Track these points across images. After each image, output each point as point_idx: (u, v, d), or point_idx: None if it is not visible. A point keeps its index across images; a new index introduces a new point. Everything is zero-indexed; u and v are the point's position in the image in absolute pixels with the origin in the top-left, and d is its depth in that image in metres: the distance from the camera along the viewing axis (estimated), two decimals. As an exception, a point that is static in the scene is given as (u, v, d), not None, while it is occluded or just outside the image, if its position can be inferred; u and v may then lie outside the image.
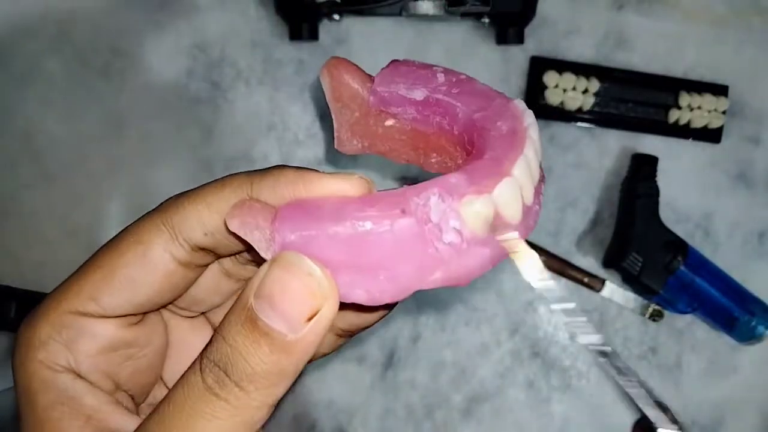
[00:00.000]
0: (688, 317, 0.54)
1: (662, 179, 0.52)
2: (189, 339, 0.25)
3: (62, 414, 0.21)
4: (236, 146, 0.52)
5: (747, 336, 0.52)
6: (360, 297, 0.20)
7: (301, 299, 0.19)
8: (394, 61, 0.25)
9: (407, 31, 0.52)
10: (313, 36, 0.50)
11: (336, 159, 0.52)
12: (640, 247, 0.51)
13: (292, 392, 0.53)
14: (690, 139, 0.54)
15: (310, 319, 0.19)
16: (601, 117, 0.53)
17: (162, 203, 0.22)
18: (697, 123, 0.53)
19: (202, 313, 0.26)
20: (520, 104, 0.23)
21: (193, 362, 0.20)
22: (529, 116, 0.22)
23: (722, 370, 0.55)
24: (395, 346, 0.53)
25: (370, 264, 0.19)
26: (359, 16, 0.51)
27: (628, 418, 0.54)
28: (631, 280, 0.52)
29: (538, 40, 0.53)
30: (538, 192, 0.22)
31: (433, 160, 0.25)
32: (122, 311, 0.22)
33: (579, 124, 0.53)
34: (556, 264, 0.53)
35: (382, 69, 0.24)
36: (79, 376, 0.21)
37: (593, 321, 0.54)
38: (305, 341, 0.19)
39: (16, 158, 0.51)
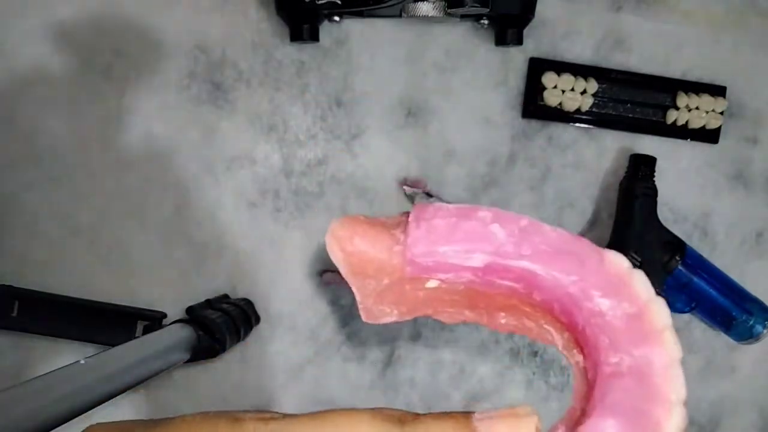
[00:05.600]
0: (686, 316, 0.54)
1: (660, 179, 0.52)
2: None
3: None
4: (237, 147, 0.52)
5: (745, 335, 0.53)
6: None
7: None
8: (420, 211, 0.19)
9: (407, 33, 0.52)
10: (314, 37, 0.50)
11: (334, 157, 0.53)
12: (639, 247, 0.51)
13: (293, 390, 0.53)
14: (688, 140, 0.54)
15: None
16: (600, 118, 0.53)
17: None
18: (695, 123, 0.53)
19: None
20: (618, 260, 0.18)
21: None
22: (641, 283, 0.17)
23: (720, 369, 0.55)
24: (395, 345, 0.53)
25: None
26: (359, 17, 0.51)
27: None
28: (629, 280, 0.52)
29: (536, 41, 0.53)
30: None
31: (502, 321, 0.20)
32: None
33: (577, 124, 0.53)
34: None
35: (412, 224, 0.19)
36: None
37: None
38: None
39: (18, 159, 0.51)
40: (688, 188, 0.55)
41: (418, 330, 0.53)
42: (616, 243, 0.52)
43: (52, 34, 0.51)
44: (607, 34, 0.54)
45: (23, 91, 0.51)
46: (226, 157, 0.52)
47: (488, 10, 0.48)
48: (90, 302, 0.50)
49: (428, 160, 0.53)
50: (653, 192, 0.52)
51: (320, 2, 0.47)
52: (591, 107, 0.53)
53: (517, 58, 0.53)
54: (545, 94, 0.52)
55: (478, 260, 0.18)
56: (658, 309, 0.17)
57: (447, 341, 0.54)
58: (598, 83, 0.52)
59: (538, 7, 0.50)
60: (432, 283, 0.19)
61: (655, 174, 0.52)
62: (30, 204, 0.51)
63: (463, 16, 0.50)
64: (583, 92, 0.52)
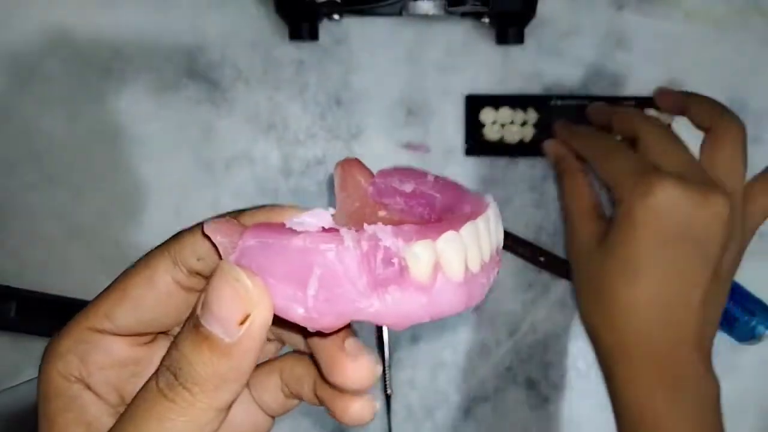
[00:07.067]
0: (688, 317, 0.54)
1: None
2: None
3: (67, 420, 0.24)
4: (236, 146, 0.52)
5: (747, 336, 0.52)
6: (297, 315, 0.21)
7: (230, 304, 0.20)
8: (397, 168, 0.29)
9: (407, 31, 0.52)
10: (313, 36, 0.50)
11: (334, 156, 0.52)
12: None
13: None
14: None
15: (242, 323, 0.20)
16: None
17: (172, 235, 0.26)
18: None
19: None
20: (490, 198, 0.26)
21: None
22: (493, 206, 0.25)
23: (722, 370, 0.55)
24: (395, 345, 0.53)
25: (313, 282, 0.21)
26: (359, 15, 0.51)
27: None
28: (630, 280, 0.52)
29: (538, 40, 0.53)
30: (487, 269, 0.23)
31: None
32: (133, 329, 0.25)
33: (523, 157, 0.53)
34: (556, 265, 0.53)
35: (384, 168, 0.29)
36: (89, 387, 0.24)
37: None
38: (241, 345, 0.21)
39: (16, 159, 0.51)
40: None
41: (417, 331, 0.53)
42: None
43: (51, 33, 0.51)
44: (609, 33, 0.54)
45: (22, 90, 0.51)
46: (224, 156, 0.52)
47: (488, 8, 0.47)
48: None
49: (428, 160, 0.53)
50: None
51: (320, 0, 0.47)
52: (533, 137, 0.52)
53: (518, 57, 0.53)
54: (485, 130, 0.52)
55: (408, 187, 0.27)
56: (493, 210, 0.25)
57: (447, 342, 0.53)
58: (538, 113, 0.52)
59: (540, 6, 0.50)
60: (381, 213, 0.28)
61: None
62: (29, 204, 0.51)
63: (464, 15, 0.50)
64: (523, 124, 0.52)
